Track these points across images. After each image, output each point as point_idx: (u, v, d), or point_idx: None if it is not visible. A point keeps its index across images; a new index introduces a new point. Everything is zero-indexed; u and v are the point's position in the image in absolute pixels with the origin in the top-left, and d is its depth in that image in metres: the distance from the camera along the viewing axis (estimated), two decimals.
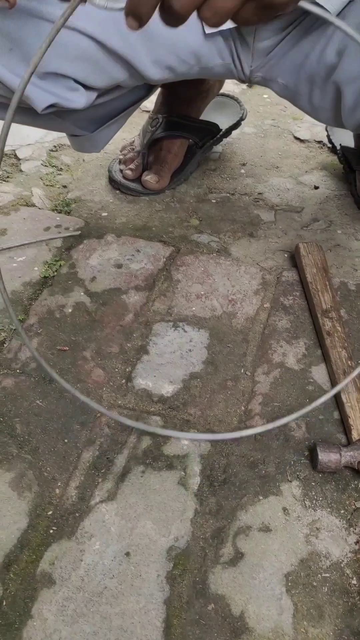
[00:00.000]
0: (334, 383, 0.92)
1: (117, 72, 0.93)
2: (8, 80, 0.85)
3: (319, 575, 0.73)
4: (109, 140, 1.16)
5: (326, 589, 0.72)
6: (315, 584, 0.72)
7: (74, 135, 1.12)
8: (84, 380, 0.93)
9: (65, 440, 0.86)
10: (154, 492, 0.80)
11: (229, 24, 0.54)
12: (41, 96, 0.88)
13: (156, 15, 0.77)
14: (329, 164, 1.46)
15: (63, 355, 0.97)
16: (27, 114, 0.95)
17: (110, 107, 1.06)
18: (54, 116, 0.98)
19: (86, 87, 0.93)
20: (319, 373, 0.95)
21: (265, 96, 1.73)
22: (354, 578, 0.72)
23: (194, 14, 0.52)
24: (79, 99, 0.93)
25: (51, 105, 0.90)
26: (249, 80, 1.03)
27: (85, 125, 1.08)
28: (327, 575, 0.73)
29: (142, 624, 0.69)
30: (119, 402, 0.91)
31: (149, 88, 1.11)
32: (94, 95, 0.96)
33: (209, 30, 0.91)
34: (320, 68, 0.92)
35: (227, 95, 1.54)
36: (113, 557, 0.74)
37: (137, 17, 0.51)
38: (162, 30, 0.88)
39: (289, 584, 0.72)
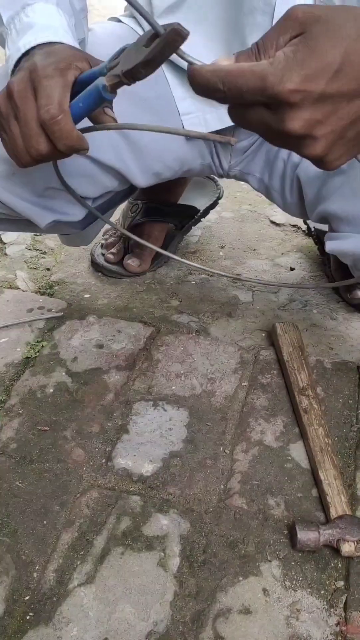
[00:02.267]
0: (311, 460, 0.93)
1: (109, 182, 1.00)
2: (10, 202, 0.92)
3: None
4: (98, 234, 1.21)
5: None
6: None
7: (64, 234, 1.17)
8: (64, 460, 0.94)
9: (45, 522, 0.85)
10: (133, 574, 0.80)
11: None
12: (43, 215, 0.96)
13: (145, 132, 0.85)
14: (304, 246, 1.52)
15: (44, 435, 0.98)
16: (26, 224, 1.00)
17: (100, 204, 1.12)
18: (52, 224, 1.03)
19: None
20: (297, 450, 0.96)
21: (242, 183, 1.81)
22: None
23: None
24: (77, 212, 1.00)
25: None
26: (227, 175, 1.09)
27: (75, 224, 1.13)
28: None
29: None
30: (99, 481, 0.91)
31: (132, 187, 1.17)
32: (89, 203, 1.02)
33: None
34: (288, 166, 0.99)
35: (205, 176, 1.61)
36: None
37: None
38: (150, 143, 0.95)
39: None
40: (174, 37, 0.56)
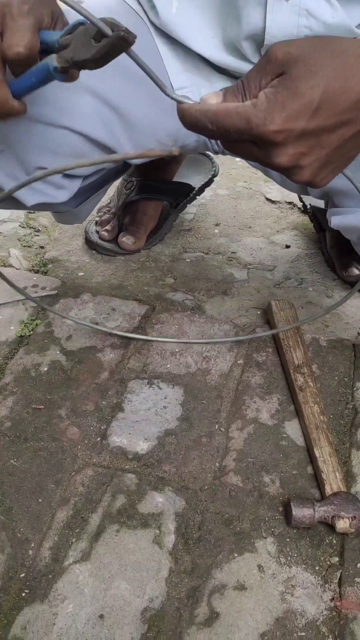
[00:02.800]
0: (306, 438, 0.93)
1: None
2: None
3: (295, 634, 0.72)
4: (91, 211, 1.19)
5: None
6: None
7: (57, 212, 1.15)
8: (59, 439, 0.94)
9: (40, 500, 0.85)
10: (128, 552, 0.80)
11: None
12: (30, 196, 0.95)
13: (137, 106, 0.85)
14: (299, 223, 1.51)
15: (38, 414, 0.97)
16: (14, 202, 0.99)
17: (91, 184, 1.10)
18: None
19: (70, 177, 0.98)
20: (292, 428, 0.96)
21: (237, 160, 1.79)
22: (330, 636, 0.72)
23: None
24: (63, 195, 0.99)
25: None
26: (222, 152, 1.08)
27: (68, 202, 1.12)
28: (303, 634, 0.72)
29: None
30: (94, 460, 0.91)
31: (125, 163, 1.16)
32: (78, 183, 1.00)
33: None
34: None
35: (200, 153, 1.59)
36: (86, 620, 0.73)
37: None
38: (142, 118, 0.93)
39: None
40: (120, 42, 0.59)
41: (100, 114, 0.90)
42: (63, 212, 1.15)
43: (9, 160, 0.90)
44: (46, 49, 0.66)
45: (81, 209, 1.13)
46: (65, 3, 0.61)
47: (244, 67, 0.90)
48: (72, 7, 0.60)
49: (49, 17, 0.68)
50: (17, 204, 0.98)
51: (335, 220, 0.97)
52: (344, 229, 1.00)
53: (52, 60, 0.63)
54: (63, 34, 0.64)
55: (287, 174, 0.62)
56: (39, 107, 0.86)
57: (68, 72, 0.65)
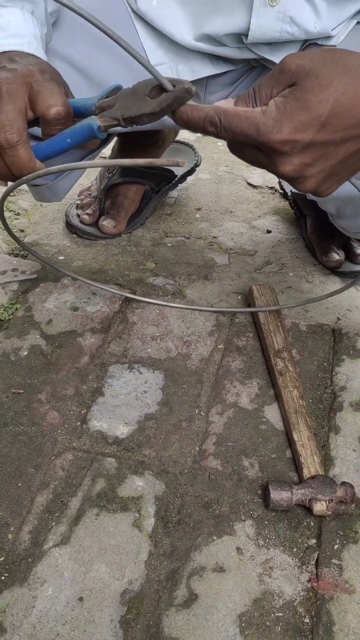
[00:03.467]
0: (286, 422, 0.94)
1: None
2: None
3: (272, 614, 0.73)
4: (70, 189, 1.18)
5: (279, 628, 0.72)
6: (268, 623, 0.72)
7: (35, 185, 1.14)
8: (39, 423, 0.93)
9: (19, 484, 0.85)
10: (108, 535, 0.80)
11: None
12: None
13: (105, 70, 0.85)
14: (280, 209, 1.51)
15: (18, 398, 0.97)
16: None
17: (70, 156, 1.09)
18: None
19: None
20: (272, 412, 0.97)
21: (219, 144, 1.79)
22: (306, 616, 0.73)
23: None
24: None
25: None
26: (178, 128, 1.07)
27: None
28: (280, 614, 0.73)
29: None
30: (74, 444, 0.91)
31: (106, 137, 1.15)
32: None
33: None
34: None
35: (183, 142, 1.59)
36: (66, 602, 0.73)
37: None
38: (110, 82, 0.93)
39: (243, 624, 0.72)
40: (184, 94, 0.61)
41: (69, 76, 0.89)
42: (41, 187, 1.13)
43: None
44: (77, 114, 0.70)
45: (59, 184, 1.12)
46: (147, 69, 0.63)
47: (222, 51, 0.91)
48: (147, 69, 0.63)
49: (65, 85, 0.72)
50: None
51: None
52: (320, 199, 1.01)
53: (95, 121, 0.66)
54: (100, 98, 0.68)
55: (291, 182, 0.64)
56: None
57: (107, 131, 0.68)
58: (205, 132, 0.62)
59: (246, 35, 0.86)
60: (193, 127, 0.63)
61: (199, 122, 0.62)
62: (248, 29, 0.85)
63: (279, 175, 0.63)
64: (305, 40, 0.89)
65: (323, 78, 0.58)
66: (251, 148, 0.62)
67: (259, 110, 0.59)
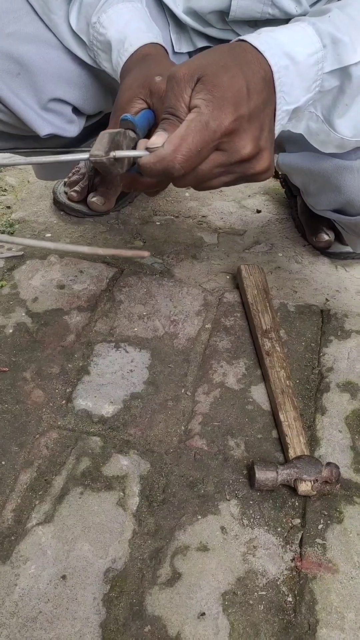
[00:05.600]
0: (272, 402, 0.94)
1: (104, 100, 1.00)
2: (12, 104, 0.91)
3: (255, 593, 0.73)
4: (73, 167, 1.18)
5: (262, 607, 0.72)
6: (251, 602, 0.72)
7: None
8: (23, 401, 0.92)
9: (3, 462, 0.84)
10: (92, 514, 0.80)
11: None
12: (43, 126, 0.95)
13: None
14: (271, 188, 1.49)
15: (2, 376, 0.96)
16: (20, 140, 1.00)
17: (90, 125, 1.10)
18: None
19: (79, 113, 1.00)
20: (258, 392, 0.97)
21: None
22: (289, 595, 0.73)
23: None
24: (73, 129, 1.00)
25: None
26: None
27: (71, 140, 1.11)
28: (264, 593, 0.73)
29: None
30: (59, 422, 0.90)
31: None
32: (83, 121, 1.02)
33: None
34: None
35: None
36: (49, 580, 0.73)
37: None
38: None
39: (226, 603, 0.72)
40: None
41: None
42: (49, 166, 1.14)
43: (22, 85, 0.90)
44: None
45: (67, 163, 1.13)
46: None
47: (209, 31, 0.94)
48: None
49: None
50: (23, 141, 1.01)
51: (281, 158, 1.01)
52: (288, 169, 1.05)
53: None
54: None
55: (255, 165, 0.64)
56: (59, 30, 0.90)
57: None
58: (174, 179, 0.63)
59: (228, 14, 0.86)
60: (159, 177, 0.63)
61: (164, 172, 0.61)
62: (229, 10, 0.86)
63: (245, 159, 0.62)
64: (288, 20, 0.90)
65: (219, 61, 0.61)
66: (211, 159, 0.61)
67: (195, 116, 0.59)
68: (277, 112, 0.66)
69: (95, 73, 0.94)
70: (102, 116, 1.07)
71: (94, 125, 1.07)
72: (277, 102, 0.65)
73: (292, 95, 0.66)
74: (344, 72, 0.70)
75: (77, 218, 1.34)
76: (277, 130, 0.68)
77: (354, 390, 0.97)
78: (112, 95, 0.99)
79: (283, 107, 0.66)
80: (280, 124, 0.68)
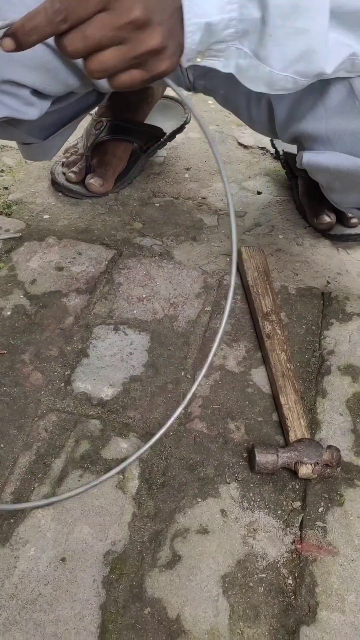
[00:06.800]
0: (273, 385, 0.93)
1: (71, 79, 0.92)
2: None
3: (255, 575, 0.73)
4: (61, 147, 1.15)
5: (262, 589, 0.72)
6: (251, 584, 0.72)
7: (25, 143, 1.10)
8: (22, 384, 0.92)
9: (1, 445, 0.84)
10: (91, 497, 0.79)
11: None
12: None
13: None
14: (271, 170, 1.48)
15: (1, 359, 0.95)
16: None
17: (62, 114, 1.05)
18: (7, 125, 0.96)
19: (40, 95, 0.92)
20: (259, 375, 0.96)
21: (210, 102, 1.74)
22: (290, 577, 0.73)
23: None
24: (33, 112, 0.93)
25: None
26: (193, 88, 1.03)
27: (36, 132, 1.06)
28: (264, 575, 0.73)
29: (77, 630, 0.68)
30: (58, 405, 0.89)
31: (98, 95, 1.11)
32: (47, 104, 0.95)
33: None
34: None
35: (172, 98, 1.54)
36: (48, 563, 0.73)
37: (17, 42, 0.58)
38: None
39: (226, 585, 0.72)
40: None
41: None
42: (31, 146, 1.10)
43: None
44: None
45: (50, 143, 1.08)
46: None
47: None
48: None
49: None
50: None
51: (306, 157, 0.95)
52: (313, 168, 0.98)
53: None
54: None
55: (144, 38, 0.61)
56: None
57: None
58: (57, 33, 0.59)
59: None
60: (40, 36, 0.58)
61: (44, 31, 0.57)
62: None
63: (131, 27, 0.60)
64: None
65: None
66: (100, 22, 0.59)
67: None
68: (187, 23, 0.64)
69: (56, 54, 0.87)
70: (70, 102, 1.02)
71: (59, 116, 1.03)
72: (184, 5, 0.63)
73: (202, 6, 0.64)
74: (262, 3, 0.68)
75: (75, 199, 1.32)
76: (189, 44, 0.66)
77: (355, 373, 0.97)
78: (79, 73, 0.92)
79: (193, 19, 0.64)
80: (193, 40, 0.66)
